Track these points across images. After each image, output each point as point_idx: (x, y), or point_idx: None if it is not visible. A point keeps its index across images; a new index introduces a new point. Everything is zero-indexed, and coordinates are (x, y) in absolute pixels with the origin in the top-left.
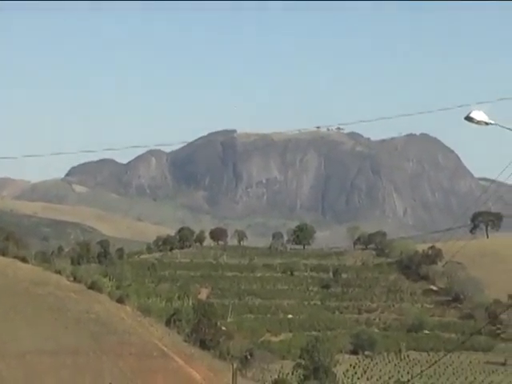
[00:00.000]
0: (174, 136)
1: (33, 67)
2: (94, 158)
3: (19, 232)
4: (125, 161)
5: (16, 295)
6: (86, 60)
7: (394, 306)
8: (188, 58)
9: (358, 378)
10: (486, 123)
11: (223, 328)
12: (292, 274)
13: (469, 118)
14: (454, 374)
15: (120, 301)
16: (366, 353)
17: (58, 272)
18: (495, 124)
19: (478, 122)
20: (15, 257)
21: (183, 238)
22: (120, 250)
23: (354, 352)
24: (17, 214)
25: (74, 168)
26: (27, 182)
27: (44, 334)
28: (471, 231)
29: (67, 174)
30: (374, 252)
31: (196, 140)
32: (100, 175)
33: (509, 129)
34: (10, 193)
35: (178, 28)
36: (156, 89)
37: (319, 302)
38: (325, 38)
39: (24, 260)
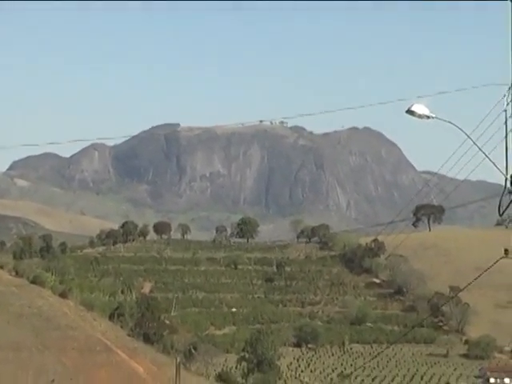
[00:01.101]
0: (117, 130)
1: None
2: (37, 151)
3: None
4: (67, 155)
5: None
6: (29, 53)
7: (337, 298)
8: (130, 52)
9: (302, 371)
10: (428, 116)
11: (167, 322)
12: (236, 268)
13: (410, 112)
14: (396, 366)
15: (63, 295)
16: (310, 346)
17: (0, 267)
18: (436, 117)
19: (419, 116)
20: None
21: (126, 231)
22: (63, 245)
23: (298, 345)
24: None
25: (15, 162)
26: None
27: None
28: (414, 224)
29: (9, 168)
30: (317, 245)
31: (139, 134)
32: (42, 169)
33: (449, 122)
34: None
35: (122, 20)
36: (99, 82)
37: (263, 296)
38: (268, 31)
39: None
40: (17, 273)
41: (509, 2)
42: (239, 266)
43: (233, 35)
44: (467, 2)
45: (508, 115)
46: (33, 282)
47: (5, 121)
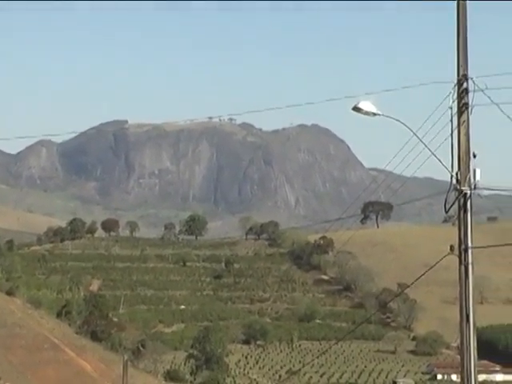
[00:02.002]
0: (65, 126)
1: None
2: None
3: None
4: (14, 151)
5: None
6: None
7: (286, 295)
8: (78, 46)
9: (251, 368)
10: (374, 114)
11: (115, 319)
12: (184, 265)
13: (356, 109)
14: (345, 362)
15: (9, 293)
16: (259, 342)
17: None
18: (383, 115)
19: (366, 113)
20: None
21: (74, 229)
22: (10, 242)
23: (247, 342)
24: None
25: None
26: None
27: None
28: (362, 221)
29: None
30: (266, 242)
31: (87, 130)
32: None
33: (395, 119)
34: None
35: (69, 12)
36: (46, 77)
37: (212, 293)
38: (215, 24)
39: None
40: None
41: (455, 2)
42: (188, 263)
43: (179, 30)
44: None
45: (453, 112)
46: None
47: None
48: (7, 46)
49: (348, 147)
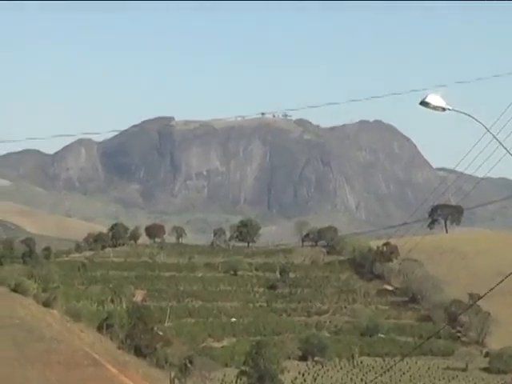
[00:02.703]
0: (106, 124)
1: None
2: (17, 148)
3: None
4: (51, 151)
5: None
6: (9, 45)
7: (346, 307)
8: (119, 41)
9: None
10: (443, 108)
11: (160, 333)
12: (235, 274)
13: (424, 103)
14: (411, 380)
15: (47, 304)
16: (316, 359)
17: None
18: (453, 109)
19: (434, 108)
20: None
21: (116, 235)
22: (47, 249)
23: (303, 358)
24: None
25: None
26: None
27: None
28: (429, 226)
29: None
30: (324, 249)
31: (129, 128)
32: (23, 167)
33: (467, 114)
34: None
35: (111, 11)
36: (85, 73)
37: (265, 304)
38: (271, 22)
39: None
40: None
41: None
42: (239, 273)
43: (233, 24)
44: None
45: None
46: (14, 290)
47: None
48: (47, 43)
49: (414, 145)
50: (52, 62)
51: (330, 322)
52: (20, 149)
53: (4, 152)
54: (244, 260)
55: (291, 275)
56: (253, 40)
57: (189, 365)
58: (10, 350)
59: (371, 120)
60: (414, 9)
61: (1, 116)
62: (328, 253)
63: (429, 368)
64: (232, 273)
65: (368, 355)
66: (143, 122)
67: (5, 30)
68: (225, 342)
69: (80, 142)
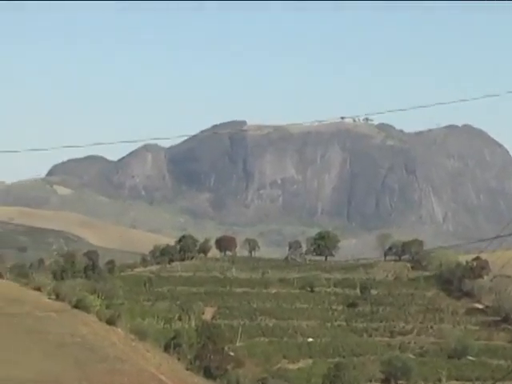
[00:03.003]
0: (174, 129)
1: (6, 58)
2: (80, 154)
3: None
4: (115, 158)
5: None
6: (69, 50)
7: (432, 327)
8: (187, 42)
9: None
10: None
11: (231, 354)
12: (312, 291)
13: None
14: None
15: (110, 322)
16: (400, 382)
17: (38, 289)
18: None
19: None
20: None
21: (184, 247)
22: (110, 263)
23: (386, 381)
24: None
25: (56, 166)
26: (1, 182)
27: (21, 361)
28: None
29: (48, 174)
30: (408, 264)
31: (199, 133)
32: (86, 175)
33: None
34: None
35: (178, 14)
36: (153, 76)
37: (344, 323)
38: (351, 22)
39: None
40: (57, 296)
41: None
42: (316, 289)
43: (310, 24)
44: None
45: None
46: (75, 306)
47: (44, 120)
48: (112, 44)
49: (507, 152)
50: (116, 63)
51: (414, 342)
52: (83, 155)
53: (66, 158)
54: (321, 275)
55: (372, 292)
56: (331, 40)
57: None
58: (71, 371)
59: (460, 125)
60: (504, 9)
61: (63, 121)
62: (412, 268)
63: None
64: (308, 289)
65: (456, 379)
66: (214, 127)
67: (80, 31)
68: (300, 364)
69: (146, 147)
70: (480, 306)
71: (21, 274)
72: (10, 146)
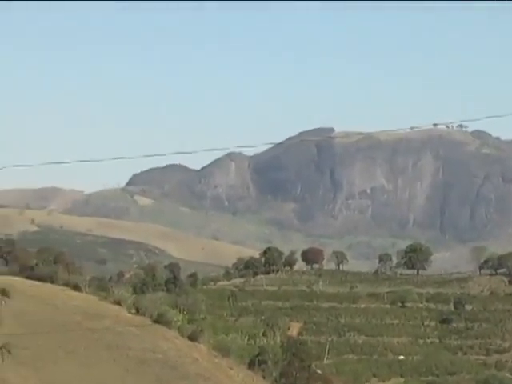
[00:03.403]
0: (258, 137)
1: (84, 66)
2: (161, 163)
3: (70, 253)
4: (198, 167)
5: (66, 331)
6: (149, 56)
7: None
8: (274, 47)
9: None
10: None
11: (318, 371)
12: (403, 306)
13: None
14: None
15: (193, 338)
16: None
17: (118, 302)
18: None
19: None
20: (65, 284)
21: (269, 260)
22: (192, 276)
23: None
24: (67, 231)
25: (136, 176)
26: (80, 192)
27: (100, 378)
28: None
29: (128, 183)
30: (505, 278)
31: (284, 141)
32: (168, 184)
33: None
34: (59, 206)
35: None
36: (237, 82)
37: (437, 340)
38: (439, 26)
39: (76, 288)
40: (137, 310)
41: None
42: (407, 304)
43: (400, 26)
44: None
45: None
46: (156, 321)
47: (124, 128)
48: (191, 49)
49: None
50: (198, 69)
51: None
52: (164, 164)
53: (147, 167)
54: (413, 290)
55: (467, 308)
56: (422, 43)
57: None
58: None
59: None
60: None
61: (144, 129)
62: (510, 282)
63: None
64: (399, 304)
65: None
66: (300, 134)
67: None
68: (391, 383)
69: (229, 156)
70: None
71: (100, 287)
72: (90, 155)
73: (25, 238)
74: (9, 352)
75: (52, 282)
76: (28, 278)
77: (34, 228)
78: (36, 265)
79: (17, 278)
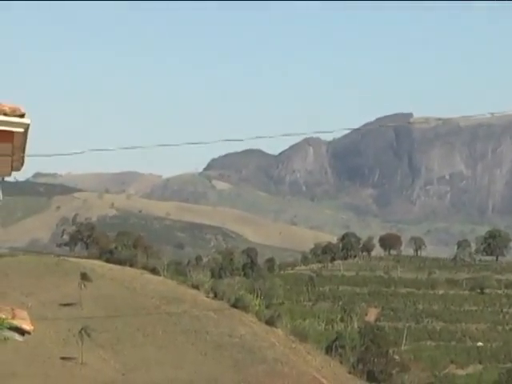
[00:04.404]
0: (336, 122)
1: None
2: (239, 148)
3: (149, 237)
4: (276, 152)
5: (145, 314)
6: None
7: None
8: (349, 33)
9: None
10: None
11: (396, 357)
12: (482, 292)
13: None
14: None
15: (270, 323)
16: None
17: (195, 287)
18: None
19: None
20: (144, 267)
21: (347, 246)
22: (270, 261)
23: None
24: (146, 215)
25: (214, 160)
26: (158, 176)
27: (178, 362)
28: None
29: (206, 168)
30: None
31: (362, 126)
32: (246, 169)
33: None
34: (137, 190)
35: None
36: (315, 67)
37: None
38: None
39: (154, 271)
40: (215, 294)
41: None
42: (486, 291)
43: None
44: None
45: None
46: (234, 305)
47: (203, 112)
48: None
49: None
50: (274, 56)
51: None
52: (242, 149)
53: (225, 152)
54: (492, 276)
55: None
56: (501, 28)
57: None
58: (229, 372)
59: None
60: None
61: (223, 113)
62: None
63: None
64: (478, 291)
65: None
66: (378, 119)
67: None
68: (470, 370)
69: (308, 141)
70: None
71: (178, 271)
72: (168, 140)
73: (104, 222)
74: (88, 335)
75: (131, 265)
76: (107, 261)
77: (113, 212)
78: (115, 248)
79: (96, 262)
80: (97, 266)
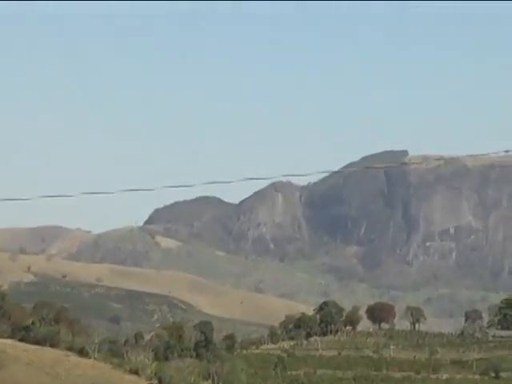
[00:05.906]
0: (312, 162)
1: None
2: (190, 195)
3: (75, 309)
4: (236, 200)
5: None
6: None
7: None
8: (334, 66)
9: None
10: None
11: None
12: (497, 377)
13: None
14: None
15: None
16: None
17: (135, 371)
18: None
19: None
20: (69, 348)
21: (326, 318)
22: (229, 338)
23: None
24: (71, 281)
25: (157, 212)
26: (87, 232)
27: None
28: None
29: (148, 221)
30: None
31: (345, 167)
32: (198, 222)
33: None
34: (61, 249)
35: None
36: (282, 96)
37: None
38: None
39: (82, 353)
40: (160, 381)
41: None
42: (502, 374)
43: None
44: None
45: None
46: None
47: (146, 156)
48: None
49: None
50: (239, 94)
51: None
52: (193, 196)
53: (172, 201)
54: (509, 356)
55: None
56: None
57: None
58: None
59: None
60: None
61: (168, 156)
62: None
63: None
64: (492, 375)
65: None
66: (363, 159)
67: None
68: None
69: (275, 186)
70: None
71: (113, 352)
72: (100, 187)
73: (18, 290)
74: None
75: (52, 345)
76: (22, 340)
77: (29, 277)
78: (32, 324)
79: (8, 341)
80: (9, 346)
